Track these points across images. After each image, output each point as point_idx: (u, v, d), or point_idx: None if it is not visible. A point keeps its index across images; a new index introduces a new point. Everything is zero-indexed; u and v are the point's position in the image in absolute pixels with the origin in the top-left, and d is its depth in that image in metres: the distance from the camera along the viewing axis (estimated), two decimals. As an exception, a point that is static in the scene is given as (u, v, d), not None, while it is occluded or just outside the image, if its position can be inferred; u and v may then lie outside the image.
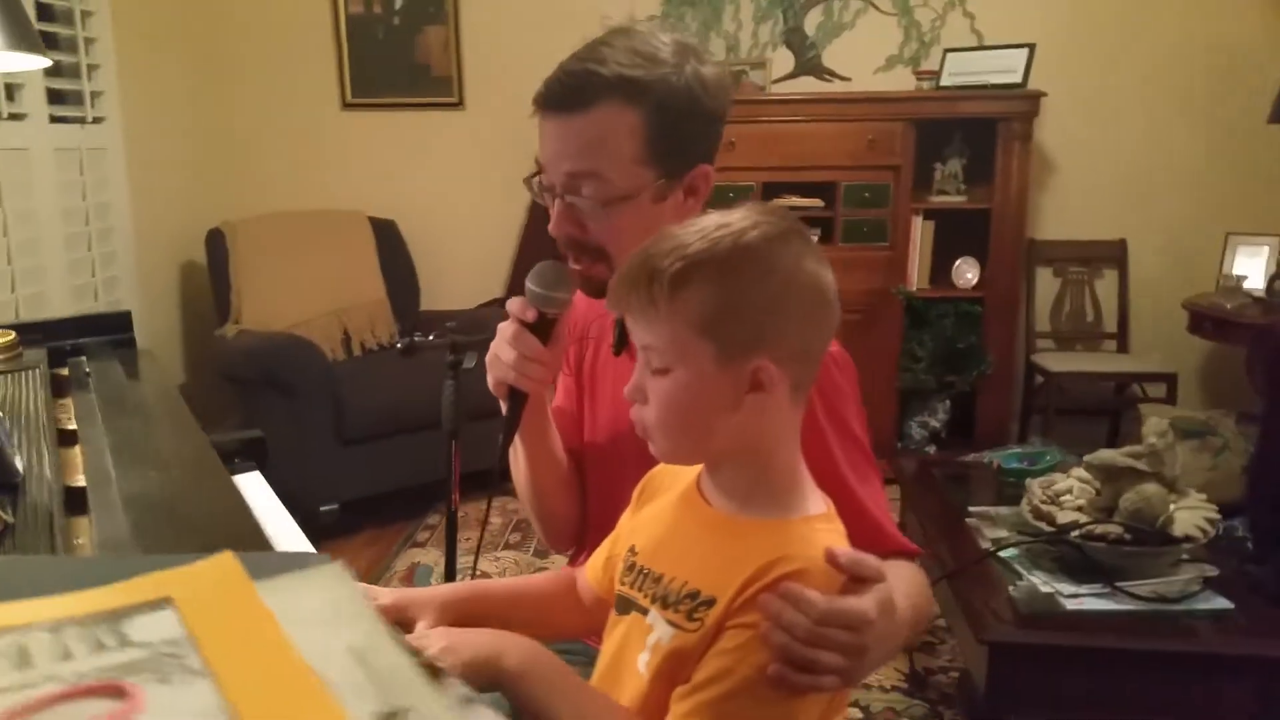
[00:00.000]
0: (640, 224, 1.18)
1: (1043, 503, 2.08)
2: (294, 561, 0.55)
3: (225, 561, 0.55)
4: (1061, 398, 3.95)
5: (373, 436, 3.37)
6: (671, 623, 0.98)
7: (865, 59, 4.16)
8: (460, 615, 1.23)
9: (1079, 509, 2.02)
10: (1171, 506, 1.96)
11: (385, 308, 3.98)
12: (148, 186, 3.81)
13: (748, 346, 0.94)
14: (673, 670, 0.97)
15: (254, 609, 0.50)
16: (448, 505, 1.86)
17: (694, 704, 0.93)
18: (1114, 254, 4.16)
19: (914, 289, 3.95)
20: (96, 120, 3.50)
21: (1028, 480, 2.18)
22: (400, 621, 1.20)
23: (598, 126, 1.18)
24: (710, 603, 0.95)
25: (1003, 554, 2.11)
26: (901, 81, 4.08)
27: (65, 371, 1.49)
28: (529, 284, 1.23)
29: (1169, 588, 1.94)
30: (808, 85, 4.18)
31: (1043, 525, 2.04)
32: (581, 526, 1.47)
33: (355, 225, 4.09)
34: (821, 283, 0.97)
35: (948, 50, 3.96)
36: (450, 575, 1.91)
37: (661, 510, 1.11)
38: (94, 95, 3.49)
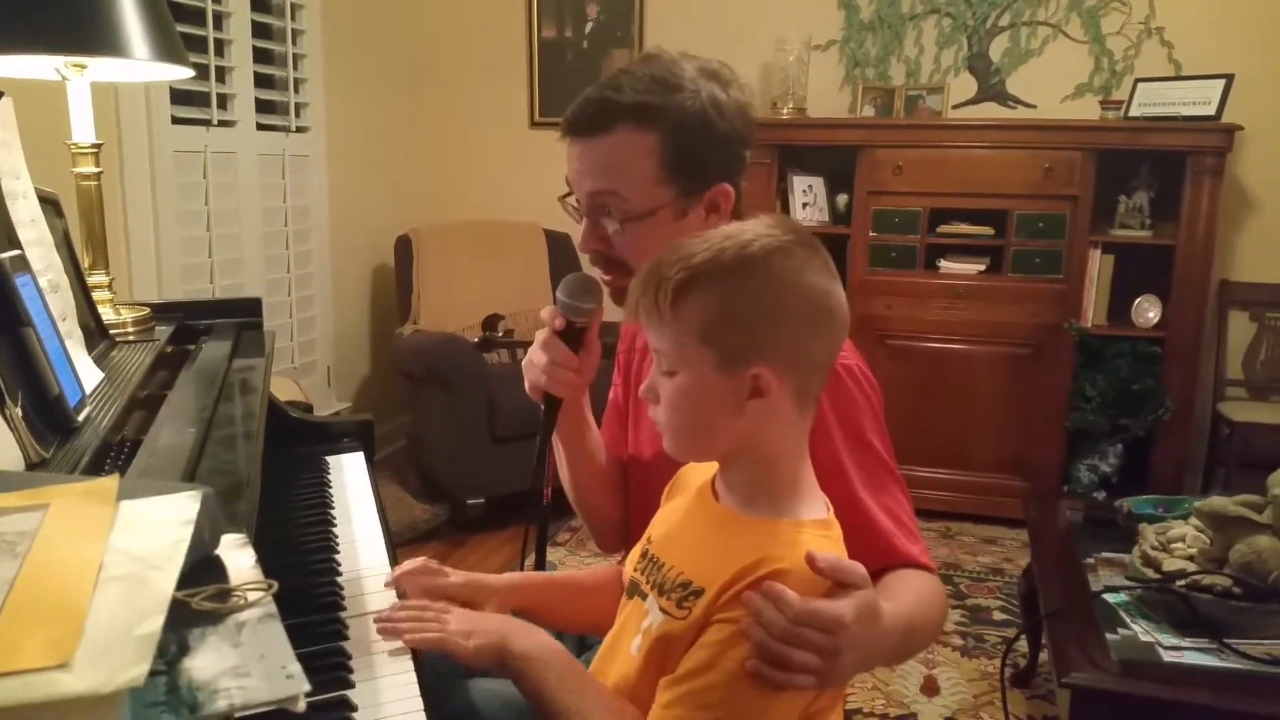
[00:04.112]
0: (662, 239, 1.22)
1: (1153, 549, 1.97)
2: (166, 489, 0.64)
3: (106, 482, 0.64)
4: (1248, 451, 3.68)
5: (523, 436, 3.50)
6: (664, 609, 1.03)
7: (1053, 87, 4.03)
8: (518, 599, 1.33)
9: (1189, 558, 1.91)
10: (1292, 563, 1.83)
11: (552, 316, 4.15)
12: (345, 193, 4.12)
13: (745, 354, 0.97)
14: (660, 655, 1.02)
15: (99, 518, 0.59)
16: (539, 500, 1.95)
17: (676, 695, 0.97)
18: (1319, 300, 3.86)
19: (1088, 325, 3.77)
20: (300, 129, 3.82)
21: (1141, 525, 2.07)
22: (468, 602, 1.30)
23: (615, 149, 1.25)
24: (699, 593, 0.99)
25: (1113, 602, 2.01)
26: (1090, 110, 3.93)
27: (191, 347, 1.67)
28: (558, 294, 1.31)
29: (1286, 649, 1.81)
30: (990, 111, 4.10)
31: (1150, 572, 1.94)
32: (625, 529, 1.53)
33: (530, 236, 4.29)
34: (822, 294, 1.00)
35: (1139, 80, 3.79)
36: (540, 569, 2.00)
37: (681, 504, 1.16)
38: (299, 106, 3.81)
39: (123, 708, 0.44)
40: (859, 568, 0.97)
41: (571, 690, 1.06)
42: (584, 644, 1.52)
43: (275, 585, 0.60)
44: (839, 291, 1.02)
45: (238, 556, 0.67)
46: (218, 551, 0.67)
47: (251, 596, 0.60)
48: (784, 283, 0.98)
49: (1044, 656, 2.70)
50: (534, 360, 1.33)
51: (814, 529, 1.01)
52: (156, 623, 0.47)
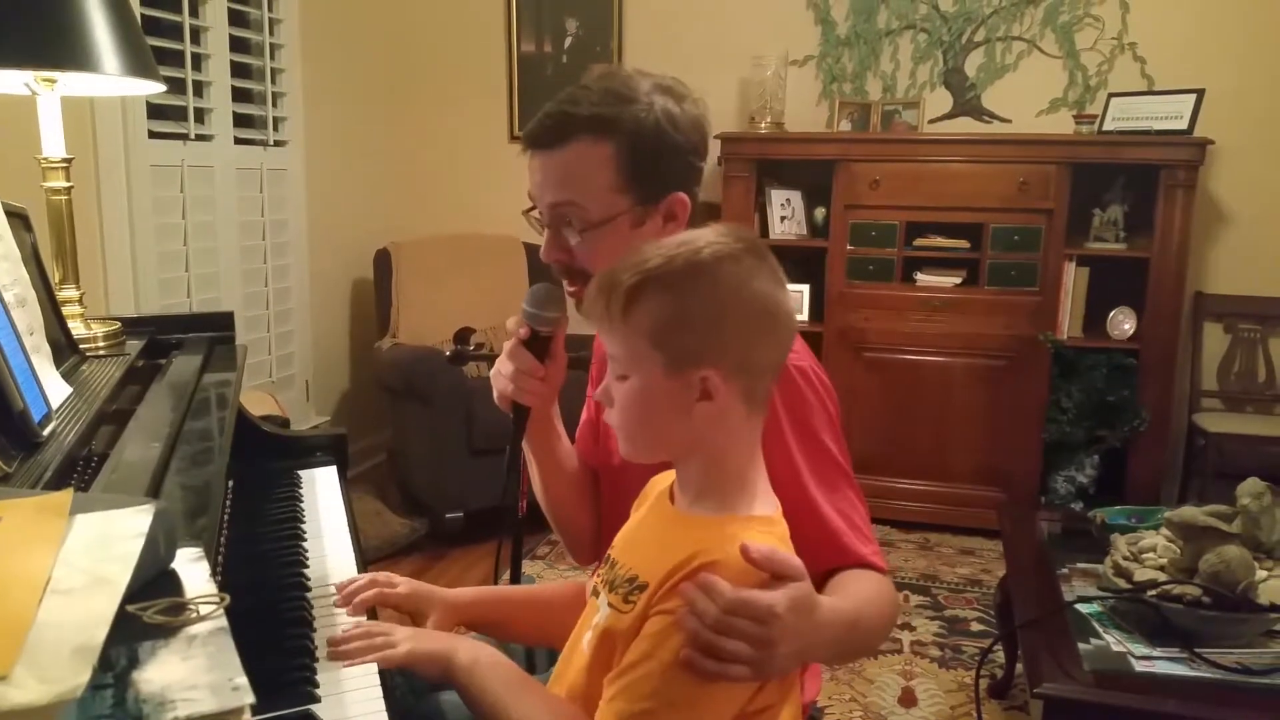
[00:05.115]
0: (621, 248, 1.25)
1: (1125, 559, 1.98)
2: (118, 503, 0.64)
3: (60, 496, 0.65)
4: (1223, 461, 3.71)
5: (501, 450, 3.48)
6: (611, 605, 1.06)
7: (1027, 101, 4.07)
8: (469, 616, 1.33)
9: (1160, 568, 1.92)
10: (1263, 573, 1.85)
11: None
12: (323, 206, 4.12)
13: (693, 357, 1.00)
14: (607, 649, 1.04)
15: (50, 531, 0.60)
16: (512, 509, 1.95)
17: (618, 688, 0.99)
18: (1292, 312, 3.89)
19: (1064, 337, 3.80)
20: (279, 143, 3.82)
21: (1113, 536, 2.09)
22: (412, 612, 1.31)
23: (574, 160, 1.27)
24: (644, 587, 1.02)
25: (1086, 612, 2.02)
26: (1064, 125, 3.96)
27: (162, 361, 1.67)
28: (524, 304, 1.33)
29: (1256, 659, 1.82)
30: (965, 126, 4.13)
31: (1121, 582, 1.96)
32: (598, 540, 1.53)
33: (510, 249, 4.29)
34: (768, 300, 1.03)
35: (1112, 94, 3.82)
36: (515, 581, 2.00)
37: (643, 512, 1.19)
38: (278, 120, 3.81)
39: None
40: (794, 560, 0.98)
41: (513, 695, 1.08)
42: (533, 656, 1.53)
43: (227, 599, 0.60)
44: (786, 298, 1.05)
45: (193, 570, 0.67)
46: (174, 565, 0.68)
47: (204, 610, 0.60)
48: (731, 288, 1.01)
49: (1021, 667, 2.71)
50: (501, 370, 1.36)
51: (757, 524, 1.03)
52: (99, 635, 0.48)
